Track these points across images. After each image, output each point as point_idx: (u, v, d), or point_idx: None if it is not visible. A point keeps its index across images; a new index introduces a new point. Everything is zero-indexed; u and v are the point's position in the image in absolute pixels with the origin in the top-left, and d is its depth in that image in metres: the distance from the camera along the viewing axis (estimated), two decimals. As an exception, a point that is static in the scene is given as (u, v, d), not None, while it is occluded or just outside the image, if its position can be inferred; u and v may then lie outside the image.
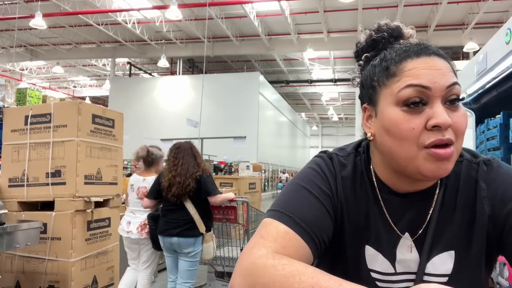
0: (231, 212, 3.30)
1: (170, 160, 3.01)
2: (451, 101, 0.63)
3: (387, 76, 0.66)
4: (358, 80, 0.78)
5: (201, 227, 2.89)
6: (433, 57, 0.64)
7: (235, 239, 3.47)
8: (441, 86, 0.62)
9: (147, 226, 3.13)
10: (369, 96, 0.72)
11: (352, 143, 0.81)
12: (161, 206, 3.05)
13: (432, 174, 0.62)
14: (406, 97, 0.63)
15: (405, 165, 0.65)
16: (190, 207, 2.87)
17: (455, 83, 0.63)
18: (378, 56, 0.72)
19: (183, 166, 2.91)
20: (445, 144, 0.61)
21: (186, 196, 2.86)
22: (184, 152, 2.99)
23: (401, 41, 0.72)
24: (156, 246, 3.10)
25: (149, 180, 3.26)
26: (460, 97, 0.64)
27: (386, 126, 0.65)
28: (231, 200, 3.23)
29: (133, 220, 3.22)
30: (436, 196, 0.71)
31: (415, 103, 0.62)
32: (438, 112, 0.61)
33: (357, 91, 0.78)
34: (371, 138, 0.72)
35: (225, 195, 3.10)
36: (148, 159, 3.38)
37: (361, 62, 0.77)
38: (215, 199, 2.95)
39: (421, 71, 0.63)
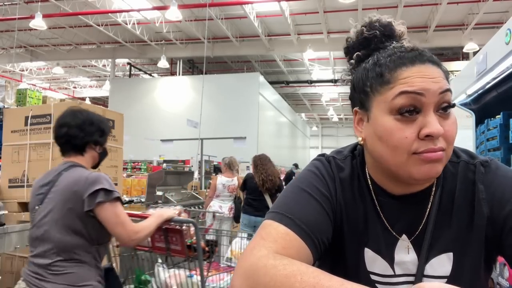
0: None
1: (259, 166, 4.64)
2: (443, 109, 0.63)
3: (381, 83, 0.66)
4: (348, 78, 0.77)
5: None
6: (427, 64, 0.65)
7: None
8: (434, 92, 0.62)
9: (233, 209, 5.16)
10: (360, 100, 0.71)
11: (348, 145, 0.82)
12: (246, 197, 4.81)
13: (424, 177, 0.63)
14: (400, 105, 0.63)
15: (396, 171, 0.65)
16: (268, 198, 4.52)
17: (448, 90, 0.63)
18: (370, 58, 0.71)
19: (270, 170, 4.57)
20: None
21: (273, 190, 4.54)
22: (266, 159, 4.68)
23: (394, 43, 0.71)
24: (236, 220, 5.12)
25: (234, 180, 5.30)
26: (451, 103, 0.65)
27: (379, 134, 0.66)
28: None
29: (223, 205, 5.19)
30: (432, 197, 0.71)
31: (409, 111, 0.62)
32: (431, 122, 0.61)
33: None
34: (362, 142, 0.72)
35: None
36: (228, 166, 5.37)
37: (352, 61, 0.76)
38: None
39: (415, 80, 0.63)
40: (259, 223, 4.28)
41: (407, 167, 0.63)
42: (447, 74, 0.67)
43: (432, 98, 0.62)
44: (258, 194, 4.62)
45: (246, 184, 4.86)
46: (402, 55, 0.66)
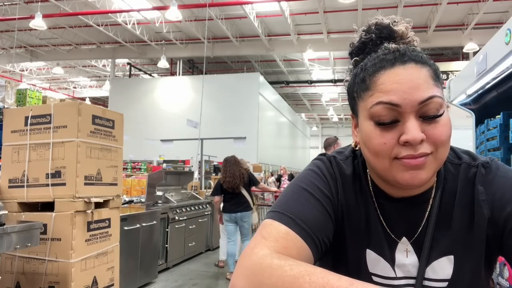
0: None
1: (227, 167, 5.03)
2: (429, 117, 0.61)
3: (363, 89, 0.65)
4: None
5: (251, 204, 5.03)
6: (409, 64, 0.61)
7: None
8: (413, 102, 0.59)
9: None
10: (352, 106, 0.71)
11: (349, 146, 0.81)
12: (224, 198, 5.02)
13: (407, 183, 0.62)
14: (377, 115, 0.62)
15: (384, 175, 0.65)
16: (245, 193, 4.98)
17: (431, 97, 0.60)
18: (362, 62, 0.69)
19: (232, 171, 4.92)
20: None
21: (241, 185, 4.94)
22: (231, 161, 4.99)
23: (384, 45, 0.69)
24: None
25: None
26: (439, 113, 0.61)
27: (363, 139, 0.66)
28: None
29: None
30: (431, 200, 0.71)
31: (387, 121, 0.61)
32: (409, 128, 0.60)
33: None
34: (356, 147, 0.72)
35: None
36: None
37: (351, 66, 0.75)
38: (259, 187, 5.55)
39: (392, 86, 0.60)
40: (239, 217, 5.05)
41: (391, 172, 0.63)
42: (436, 72, 0.63)
43: (410, 108, 0.60)
44: (232, 192, 4.97)
45: (223, 187, 5.01)
46: (383, 57, 0.64)
